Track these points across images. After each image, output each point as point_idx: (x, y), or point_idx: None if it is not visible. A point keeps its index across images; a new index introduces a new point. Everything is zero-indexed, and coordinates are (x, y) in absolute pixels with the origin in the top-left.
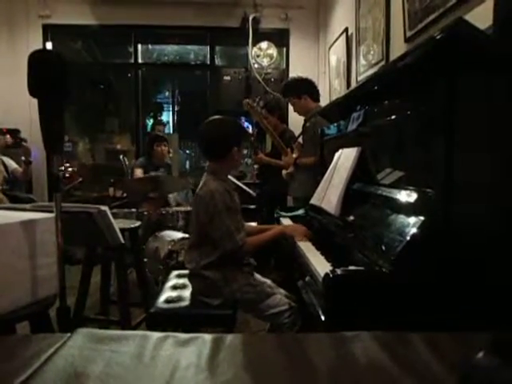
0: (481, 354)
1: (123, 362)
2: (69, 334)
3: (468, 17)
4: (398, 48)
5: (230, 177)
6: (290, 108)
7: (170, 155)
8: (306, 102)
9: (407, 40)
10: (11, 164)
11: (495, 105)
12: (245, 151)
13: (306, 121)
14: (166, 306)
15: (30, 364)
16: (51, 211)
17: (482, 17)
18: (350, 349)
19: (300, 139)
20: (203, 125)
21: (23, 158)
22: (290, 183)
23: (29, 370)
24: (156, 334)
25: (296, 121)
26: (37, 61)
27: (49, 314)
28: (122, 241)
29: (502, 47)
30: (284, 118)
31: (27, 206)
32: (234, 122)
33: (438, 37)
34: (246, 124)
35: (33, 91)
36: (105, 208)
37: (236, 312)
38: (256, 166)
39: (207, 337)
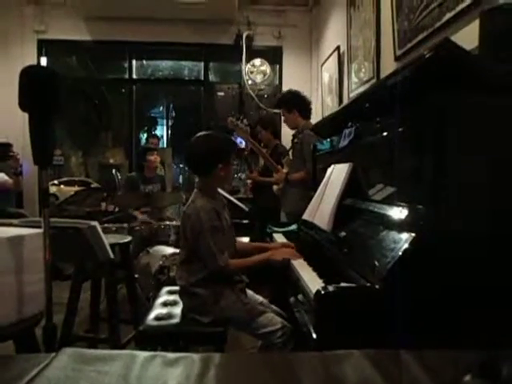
0: (468, 377)
1: (109, 383)
2: (53, 354)
3: (454, 38)
4: (389, 66)
5: (221, 191)
6: (283, 124)
7: (162, 171)
8: (295, 117)
9: (397, 58)
10: (2, 176)
11: (483, 122)
12: (235, 166)
13: (294, 136)
14: (155, 323)
15: None
16: (40, 226)
17: (467, 38)
18: (342, 368)
19: (290, 154)
20: (190, 140)
21: (12, 169)
22: (282, 199)
23: None
24: (143, 354)
25: (289, 135)
26: (28, 76)
27: (34, 332)
28: (112, 256)
29: (486, 67)
30: (277, 134)
31: (15, 221)
32: (220, 138)
33: (427, 56)
34: (238, 140)
35: (23, 106)
36: (95, 223)
37: (227, 330)
38: (249, 181)
39: (196, 356)
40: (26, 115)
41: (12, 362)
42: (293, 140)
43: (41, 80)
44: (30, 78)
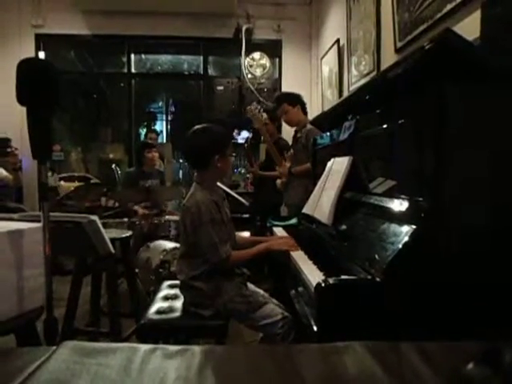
0: (471, 365)
1: (110, 375)
2: (55, 347)
3: (455, 28)
4: (389, 58)
5: (222, 186)
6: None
7: (162, 166)
8: (299, 112)
9: (397, 51)
10: (1, 172)
11: (484, 113)
12: (233, 159)
13: (296, 131)
14: (156, 317)
15: (12, 379)
16: (40, 221)
17: (468, 28)
18: (342, 359)
19: (292, 149)
20: (187, 135)
21: (12, 165)
22: (284, 192)
23: None
24: (144, 347)
25: (288, 132)
26: (25, 69)
27: (35, 326)
28: (112, 250)
29: (488, 58)
30: (280, 128)
31: (15, 215)
32: (215, 130)
33: (427, 47)
34: (241, 134)
35: (21, 99)
36: (94, 217)
37: (228, 323)
38: (250, 175)
39: (197, 349)
40: (25, 110)
41: (13, 354)
42: (295, 135)
43: (38, 72)
44: (26, 70)
